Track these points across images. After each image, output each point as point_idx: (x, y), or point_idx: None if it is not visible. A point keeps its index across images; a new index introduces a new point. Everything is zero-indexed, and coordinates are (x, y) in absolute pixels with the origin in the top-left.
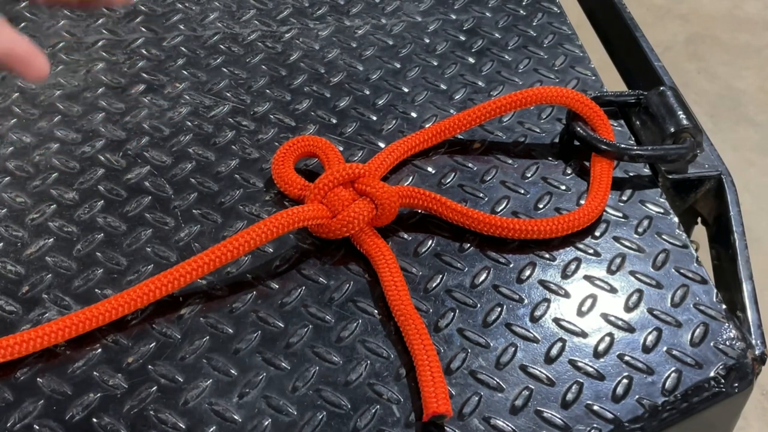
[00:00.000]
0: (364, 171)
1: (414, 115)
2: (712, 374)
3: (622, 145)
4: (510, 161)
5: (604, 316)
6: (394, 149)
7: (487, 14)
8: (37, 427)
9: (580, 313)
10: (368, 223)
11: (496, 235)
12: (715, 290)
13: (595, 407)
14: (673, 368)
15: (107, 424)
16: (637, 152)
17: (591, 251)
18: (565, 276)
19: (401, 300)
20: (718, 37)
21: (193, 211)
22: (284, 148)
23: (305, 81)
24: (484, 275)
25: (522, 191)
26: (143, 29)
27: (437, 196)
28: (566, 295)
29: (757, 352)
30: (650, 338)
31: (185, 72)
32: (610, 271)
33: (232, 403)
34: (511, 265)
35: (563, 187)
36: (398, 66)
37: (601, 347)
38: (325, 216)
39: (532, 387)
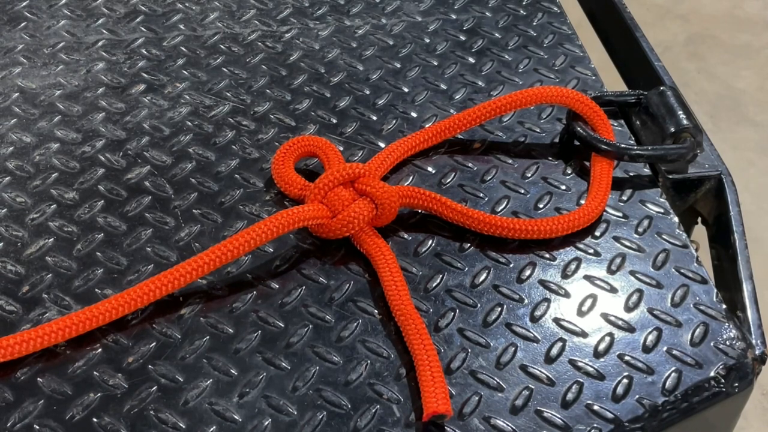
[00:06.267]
0: (364, 171)
1: (414, 115)
2: (712, 374)
3: (622, 145)
4: (510, 161)
5: (604, 316)
6: (394, 149)
7: (487, 14)
8: (37, 427)
9: (580, 313)
10: (368, 223)
11: (496, 235)
12: (715, 290)
13: (595, 407)
14: (673, 368)
15: (107, 424)
16: (637, 152)
17: (591, 251)
18: (565, 276)
19: (401, 300)
20: (718, 37)
21: (193, 211)
22: (284, 148)
23: (305, 81)
24: (484, 275)
25: (522, 191)
26: (143, 29)
27: (437, 196)
28: (566, 295)
29: (757, 352)
30: (650, 338)
31: (185, 72)
32: (610, 271)
33: (232, 402)
34: (511, 265)
35: (563, 187)
36: (398, 66)
37: (601, 347)
38: (325, 216)
39: (532, 387)
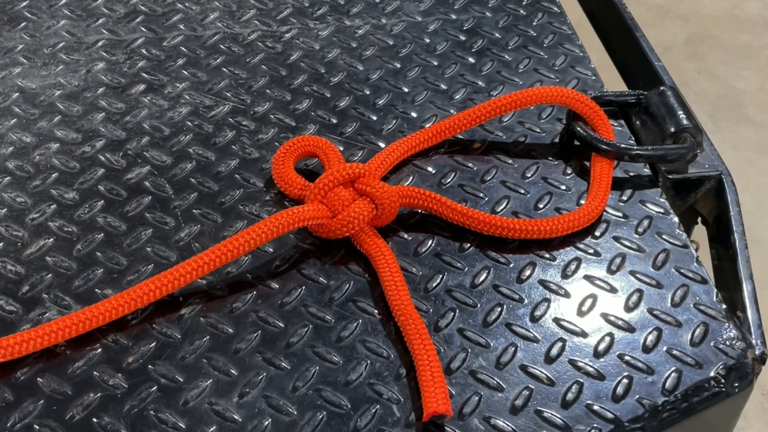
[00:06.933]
0: (364, 171)
1: (414, 115)
2: (712, 374)
3: (622, 145)
4: (510, 161)
5: (604, 316)
6: (394, 149)
7: (487, 14)
8: (37, 427)
9: (580, 313)
10: (368, 223)
11: (496, 235)
12: (715, 290)
13: (595, 407)
14: (673, 368)
15: (107, 424)
16: (637, 152)
17: (591, 251)
18: (565, 276)
19: (401, 300)
20: (718, 37)
21: (193, 211)
22: (284, 148)
23: (305, 81)
24: (484, 275)
25: (522, 191)
26: (143, 29)
27: (437, 196)
28: (566, 295)
29: (757, 352)
30: (650, 338)
31: (185, 72)
32: (610, 271)
33: (232, 402)
34: (511, 265)
35: (563, 187)
36: (398, 66)
37: (601, 347)
38: (325, 216)
39: (532, 387)
